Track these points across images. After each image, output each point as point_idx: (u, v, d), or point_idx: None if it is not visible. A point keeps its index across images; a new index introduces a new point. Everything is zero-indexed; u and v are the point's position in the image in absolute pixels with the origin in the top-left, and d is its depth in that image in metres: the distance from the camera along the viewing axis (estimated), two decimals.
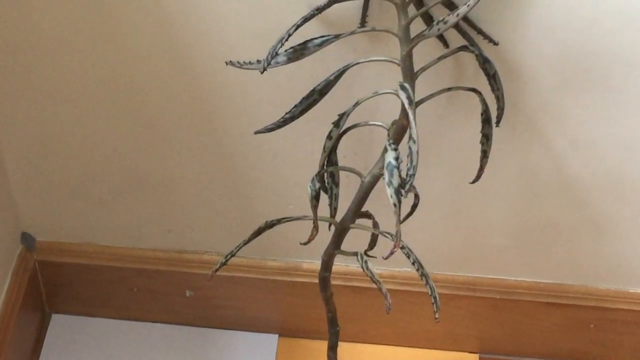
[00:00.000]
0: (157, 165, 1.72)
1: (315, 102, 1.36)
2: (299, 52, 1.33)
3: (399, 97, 1.24)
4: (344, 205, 1.43)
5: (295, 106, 1.36)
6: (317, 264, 1.51)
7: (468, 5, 1.17)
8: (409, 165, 1.20)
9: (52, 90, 1.61)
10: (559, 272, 1.78)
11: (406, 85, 1.26)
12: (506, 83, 1.41)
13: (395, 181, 1.21)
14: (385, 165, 1.23)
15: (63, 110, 1.64)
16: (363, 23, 1.42)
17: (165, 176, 1.74)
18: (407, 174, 1.21)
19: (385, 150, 1.25)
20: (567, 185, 1.60)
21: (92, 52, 1.54)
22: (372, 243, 1.49)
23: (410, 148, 1.21)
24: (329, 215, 1.45)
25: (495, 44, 1.41)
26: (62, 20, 1.49)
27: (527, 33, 1.40)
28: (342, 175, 1.44)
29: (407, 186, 1.21)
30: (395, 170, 1.22)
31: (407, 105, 1.22)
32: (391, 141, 1.26)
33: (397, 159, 1.23)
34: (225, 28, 1.47)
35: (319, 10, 1.25)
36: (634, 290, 1.79)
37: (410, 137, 1.21)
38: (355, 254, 1.40)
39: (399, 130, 1.33)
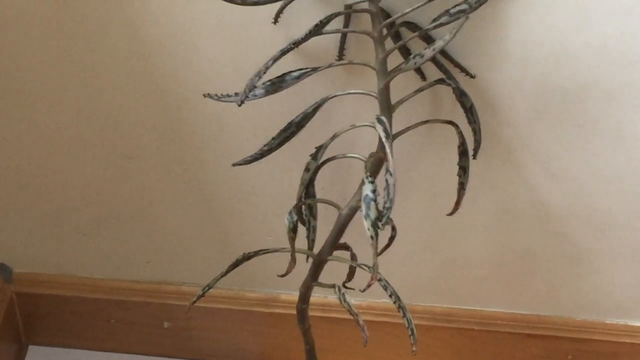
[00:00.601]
0: (135, 196, 1.71)
1: (292, 134, 1.37)
2: (277, 85, 1.34)
3: (376, 130, 1.24)
4: (323, 236, 1.43)
5: (273, 139, 1.37)
6: (295, 295, 1.51)
7: (444, 40, 1.18)
8: (386, 198, 1.21)
9: (29, 121, 1.61)
10: (537, 303, 1.78)
11: (383, 118, 1.26)
12: (483, 115, 1.42)
13: (373, 214, 1.21)
14: (363, 197, 1.23)
15: (39, 142, 1.64)
16: (341, 56, 1.43)
17: (143, 207, 1.74)
18: (384, 207, 1.21)
19: (363, 182, 1.26)
20: (545, 216, 1.61)
21: (68, 83, 1.54)
22: (350, 275, 1.49)
23: (387, 181, 1.21)
24: (306, 247, 1.45)
25: (472, 76, 1.42)
26: (37, 52, 1.50)
27: (504, 66, 1.41)
28: (320, 207, 1.44)
29: (384, 219, 1.21)
30: (373, 203, 1.22)
31: (384, 139, 1.22)
32: (368, 174, 1.26)
33: (374, 191, 1.23)
34: (203, 60, 1.47)
35: (296, 44, 1.26)
36: (612, 321, 1.79)
37: (388, 170, 1.22)
38: (333, 286, 1.40)
39: (377, 163, 1.34)
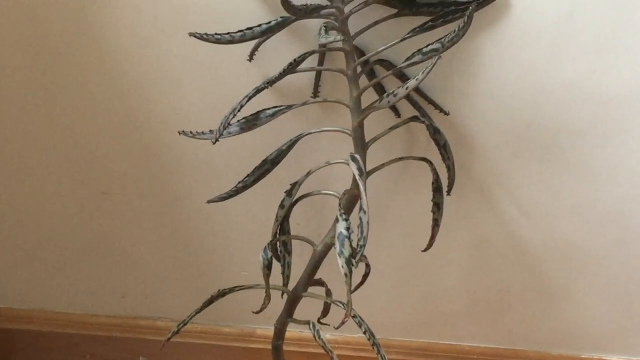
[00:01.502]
0: (111, 231, 1.71)
1: (267, 171, 1.37)
2: (251, 122, 1.34)
3: (350, 168, 1.25)
4: (298, 271, 1.43)
5: (248, 175, 1.37)
6: (271, 330, 1.51)
7: (417, 79, 1.19)
8: (359, 235, 1.21)
9: (5, 157, 1.60)
10: (513, 338, 1.79)
11: (357, 156, 1.27)
12: (457, 152, 1.43)
13: (346, 251, 1.22)
14: (337, 235, 1.23)
15: (16, 177, 1.63)
16: (315, 93, 1.44)
17: (119, 242, 1.73)
18: (357, 244, 1.21)
19: (337, 220, 1.26)
20: (519, 252, 1.62)
21: (44, 120, 1.54)
22: (325, 311, 1.49)
23: (360, 218, 1.22)
24: (281, 283, 1.45)
25: (446, 114, 1.44)
26: (11, 87, 1.50)
27: (477, 103, 1.43)
28: (295, 242, 1.44)
29: (358, 256, 1.22)
30: (346, 241, 1.22)
31: (357, 176, 1.23)
32: (342, 211, 1.26)
33: (348, 229, 1.23)
34: (178, 97, 1.48)
35: (270, 83, 1.26)
36: (587, 355, 1.80)
37: (361, 208, 1.22)
38: (308, 322, 1.40)
39: (351, 200, 1.34)
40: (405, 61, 1.27)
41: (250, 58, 1.41)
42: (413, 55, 1.27)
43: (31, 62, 1.47)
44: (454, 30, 1.23)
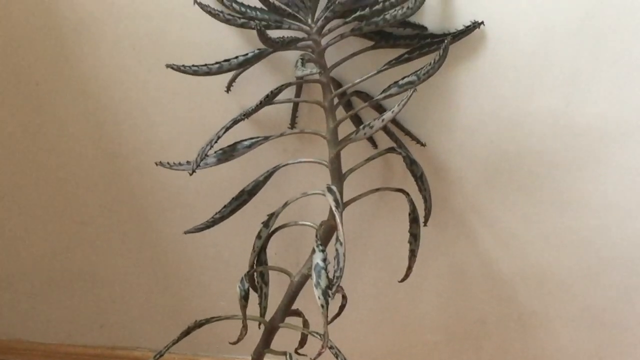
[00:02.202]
0: (89, 260, 1.71)
1: (244, 202, 1.38)
2: (229, 153, 1.35)
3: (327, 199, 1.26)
4: (275, 302, 1.43)
5: (225, 206, 1.37)
6: None
7: (392, 112, 1.20)
8: (336, 267, 1.21)
9: None
10: None
11: (333, 188, 1.27)
12: (433, 183, 1.44)
13: (323, 282, 1.22)
14: (313, 266, 1.24)
15: None
16: (293, 124, 1.44)
17: (97, 271, 1.73)
18: (334, 276, 1.22)
19: (313, 251, 1.26)
20: (495, 281, 1.62)
21: (20, 149, 1.54)
22: (302, 341, 1.49)
23: (337, 250, 1.22)
24: (259, 314, 1.45)
25: (422, 145, 1.44)
26: None
27: (454, 134, 1.44)
28: (272, 273, 1.44)
29: (335, 288, 1.22)
30: (323, 272, 1.23)
31: (334, 208, 1.24)
32: (319, 242, 1.27)
33: (324, 260, 1.24)
34: (155, 128, 1.48)
35: (247, 115, 1.27)
36: None
37: (338, 239, 1.23)
38: (285, 353, 1.39)
39: (328, 231, 1.35)
40: (381, 93, 1.28)
41: (228, 89, 1.42)
42: (389, 87, 1.28)
43: (8, 92, 1.47)
44: (430, 63, 1.24)
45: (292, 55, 1.37)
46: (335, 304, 1.31)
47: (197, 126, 1.46)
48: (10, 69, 1.46)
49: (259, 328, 1.46)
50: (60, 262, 1.72)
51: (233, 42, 1.40)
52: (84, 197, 1.60)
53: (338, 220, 1.22)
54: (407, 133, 1.43)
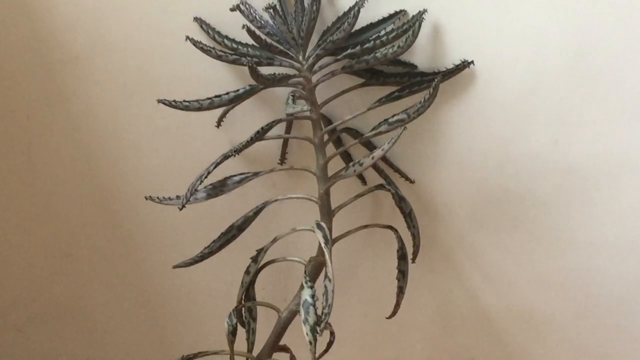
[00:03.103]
0: (74, 294, 1.70)
1: (233, 237, 1.38)
2: (218, 188, 1.35)
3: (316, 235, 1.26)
4: (263, 337, 1.42)
5: (214, 241, 1.37)
6: None
7: (382, 149, 1.20)
8: (324, 303, 1.21)
9: None
10: None
11: (323, 224, 1.28)
12: (422, 219, 1.44)
13: (311, 319, 1.22)
14: (302, 302, 1.23)
15: None
16: (282, 160, 1.45)
17: (82, 305, 1.72)
18: (322, 312, 1.21)
19: (302, 287, 1.26)
20: (483, 319, 1.62)
21: (8, 179, 1.53)
22: None
23: (326, 286, 1.22)
24: (246, 349, 1.45)
25: (412, 181, 1.45)
26: None
27: (442, 172, 1.44)
28: (261, 308, 1.44)
29: (323, 324, 1.22)
30: (311, 308, 1.23)
31: (323, 245, 1.24)
32: (308, 278, 1.27)
33: (313, 296, 1.24)
34: (145, 161, 1.48)
35: (237, 151, 1.27)
36: None
37: (327, 276, 1.23)
38: None
39: (316, 267, 1.35)
40: (371, 130, 1.29)
41: (218, 124, 1.43)
42: (380, 124, 1.29)
43: None
44: (420, 102, 1.25)
45: (283, 90, 1.38)
46: (323, 340, 1.30)
47: (187, 160, 1.46)
48: (1, 101, 1.46)
49: None
50: (45, 295, 1.71)
51: (224, 77, 1.40)
52: (71, 229, 1.59)
53: (327, 257, 1.23)
54: (397, 170, 1.44)
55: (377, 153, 1.22)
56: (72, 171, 1.51)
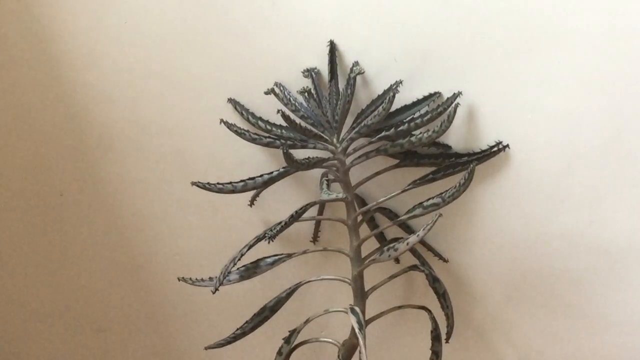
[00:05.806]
0: None
1: (266, 318, 1.37)
2: (251, 270, 1.34)
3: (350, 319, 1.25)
4: None
5: (246, 322, 1.37)
6: None
7: (418, 236, 1.19)
8: None
9: (2, 290, 1.60)
10: None
11: (357, 309, 1.27)
12: (455, 299, 1.43)
13: None
14: None
15: (9, 311, 1.62)
16: (315, 240, 1.44)
17: None
18: None
19: None
20: None
21: (42, 256, 1.54)
22: None
23: None
24: None
25: (445, 261, 1.44)
26: (19, 227, 1.50)
27: (477, 251, 1.43)
28: None
29: None
30: None
31: (357, 330, 1.23)
32: None
33: None
34: (179, 241, 1.48)
35: (272, 237, 1.27)
36: None
37: None
38: None
39: (350, 349, 1.34)
40: (406, 214, 1.28)
41: (251, 204, 1.43)
42: (414, 208, 1.28)
43: (33, 201, 1.48)
44: (455, 186, 1.24)
45: (316, 170, 1.38)
46: None
47: (220, 240, 1.46)
48: (36, 179, 1.47)
49: None
50: None
51: (258, 158, 1.40)
52: (103, 305, 1.60)
53: (361, 342, 1.21)
54: (430, 249, 1.43)
55: (412, 239, 1.21)
56: (106, 247, 1.51)
